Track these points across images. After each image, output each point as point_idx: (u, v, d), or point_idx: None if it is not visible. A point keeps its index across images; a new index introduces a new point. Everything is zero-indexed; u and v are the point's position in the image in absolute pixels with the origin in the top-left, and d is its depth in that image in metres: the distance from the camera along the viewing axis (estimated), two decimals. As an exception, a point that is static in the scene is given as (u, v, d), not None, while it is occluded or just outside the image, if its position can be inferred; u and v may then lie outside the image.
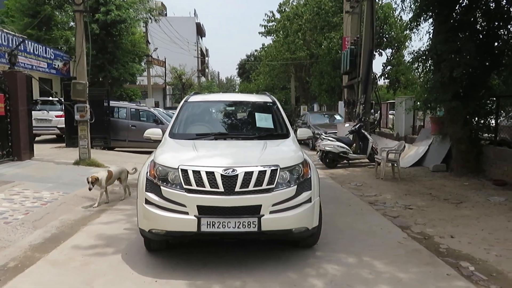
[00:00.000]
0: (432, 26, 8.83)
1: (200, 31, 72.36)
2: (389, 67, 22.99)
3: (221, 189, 3.80)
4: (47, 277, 3.86)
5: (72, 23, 23.18)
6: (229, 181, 3.83)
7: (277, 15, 28.41)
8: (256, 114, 5.37)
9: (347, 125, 13.05)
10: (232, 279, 3.79)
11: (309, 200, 4.10)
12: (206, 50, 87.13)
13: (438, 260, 4.32)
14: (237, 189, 3.81)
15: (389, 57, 23.03)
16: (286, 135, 5.06)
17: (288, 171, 4.05)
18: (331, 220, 5.80)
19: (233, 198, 3.79)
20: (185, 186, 3.86)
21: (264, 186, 3.87)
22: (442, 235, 5.17)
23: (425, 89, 8.69)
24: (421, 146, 11.05)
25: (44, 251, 4.57)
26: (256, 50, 33.76)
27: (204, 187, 3.82)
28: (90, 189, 6.36)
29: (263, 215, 3.82)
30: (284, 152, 4.46)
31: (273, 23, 27.84)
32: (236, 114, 5.60)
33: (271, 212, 3.85)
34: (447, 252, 4.59)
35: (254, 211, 3.81)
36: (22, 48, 17.45)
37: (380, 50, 22.17)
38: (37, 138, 15.68)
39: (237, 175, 3.84)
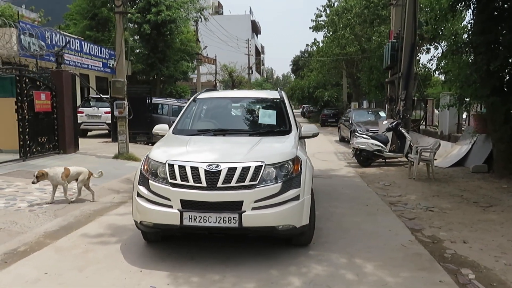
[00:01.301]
0: (473, 17, 8.23)
1: (255, 29, 72.99)
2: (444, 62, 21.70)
3: (204, 184, 3.86)
4: (47, 262, 4.15)
5: (129, 24, 24.39)
6: (212, 176, 3.87)
7: (328, 10, 27.87)
8: (260, 110, 5.37)
9: (385, 122, 12.54)
10: (212, 272, 3.84)
11: (296, 198, 4.03)
12: (262, 47, 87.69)
13: (437, 265, 4.08)
14: (219, 184, 3.85)
15: (444, 51, 21.72)
16: (287, 132, 5.00)
17: (274, 168, 4.01)
18: (339, 220, 5.68)
19: (215, 193, 3.84)
20: (170, 181, 3.96)
21: (246, 182, 3.87)
22: (454, 240, 4.85)
23: (459, 84, 8.10)
24: (464, 145, 10.37)
25: (55, 238, 4.91)
26: (307, 45, 33.28)
27: (188, 182, 3.90)
28: (33, 182, 6.11)
29: (245, 211, 3.82)
30: (275, 148, 4.42)
31: (322, 18, 27.35)
32: (241, 110, 5.63)
33: (253, 209, 3.85)
34: (452, 258, 4.30)
35: (236, 207, 3.83)
36: (79, 49, 18.67)
37: (436, 44, 20.99)
38: (89, 133, 16.77)
39: (220, 171, 3.88)
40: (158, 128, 5.36)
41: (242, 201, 3.83)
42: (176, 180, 3.94)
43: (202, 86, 29.23)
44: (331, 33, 26.92)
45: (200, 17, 26.84)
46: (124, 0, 10.55)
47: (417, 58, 19.54)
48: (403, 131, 10.89)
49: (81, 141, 14.25)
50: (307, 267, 4.00)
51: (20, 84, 9.22)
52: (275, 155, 4.16)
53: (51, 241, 4.80)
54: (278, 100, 5.60)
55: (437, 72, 22.98)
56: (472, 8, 7.95)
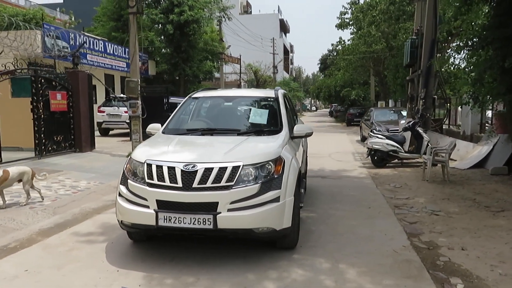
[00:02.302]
0: (490, 10, 7.79)
1: (283, 27, 72.73)
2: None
3: (180, 184, 3.80)
4: (31, 259, 4.21)
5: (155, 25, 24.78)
6: (188, 176, 3.81)
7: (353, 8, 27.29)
8: (252, 109, 5.26)
9: (402, 121, 12.12)
10: (188, 275, 3.78)
11: (276, 200, 3.90)
12: (291, 46, 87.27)
13: (425, 273, 3.85)
14: (195, 185, 3.78)
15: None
16: (278, 131, 4.87)
17: (253, 168, 3.90)
18: (335, 222, 5.50)
19: (190, 194, 3.77)
20: (147, 180, 3.93)
21: (222, 183, 3.78)
22: (452, 246, 4.58)
23: (471, 82, 7.67)
24: (485, 146, 9.86)
25: (47, 235, 4.99)
26: (332, 44, 32.73)
27: (164, 182, 3.85)
28: None
29: (220, 212, 3.73)
30: (258, 148, 4.29)
31: (347, 15, 26.82)
32: (233, 109, 5.54)
33: (229, 210, 3.75)
34: (444, 266, 4.06)
35: (210, 208, 3.75)
36: (103, 50, 19.11)
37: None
38: (110, 132, 17.13)
39: (196, 171, 3.81)
40: (151, 127, 5.34)
41: (217, 202, 3.74)
42: (153, 180, 3.90)
43: (226, 85, 29.35)
44: (355, 30, 26.35)
45: (224, 17, 26.91)
46: (138, 1, 10.67)
47: (446, 55, 18.83)
48: (420, 131, 10.48)
49: (101, 139, 14.62)
50: (287, 271, 3.87)
51: (35, 84, 9.50)
52: (256, 155, 4.05)
53: (42, 238, 4.88)
54: (272, 99, 5.48)
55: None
56: (489, 1, 7.53)
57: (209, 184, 3.78)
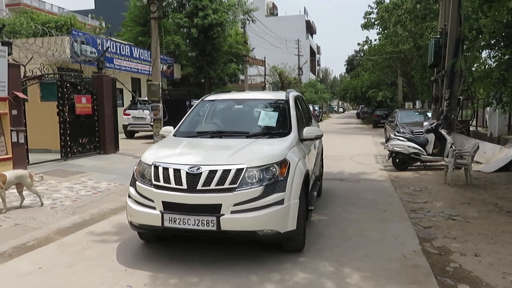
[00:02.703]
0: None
1: (310, 29, 72.36)
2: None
3: (185, 186, 3.87)
4: (45, 258, 4.39)
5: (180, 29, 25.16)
6: (193, 179, 3.88)
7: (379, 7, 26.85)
8: (262, 112, 5.29)
9: (425, 123, 11.83)
10: (192, 275, 3.85)
11: (280, 202, 3.92)
12: (318, 47, 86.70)
13: (432, 279, 3.77)
14: (199, 187, 3.84)
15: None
16: (286, 134, 4.88)
17: (257, 171, 3.93)
18: (346, 226, 5.45)
19: (194, 195, 3.84)
20: (154, 182, 4.03)
21: (226, 185, 3.83)
22: (465, 252, 4.46)
23: (491, 81, 7.40)
24: (512, 148, 9.51)
25: (64, 234, 5.18)
26: (358, 44, 32.27)
27: (170, 184, 3.93)
28: None
29: (223, 214, 3.78)
30: (264, 151, 4.31)
31: (372, 15, 26.42)
32: (244, 112, 5.58)
33: (232, 212, 3.79)
34: (453, 272, 3.95)
35: (214, 210, 3.80)
36: (129, 54, 19.60)
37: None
38: (136, 135, 17.53)
39: (201, 173, 3.87)
40: (164, 130, 5.47)
41: (221, 204, 3.79)
42: (159, 182, 4.00)
43: (250, 87, 29.48)
44: (381, 30, 25.93)
45: (248, 19, 27.07)
46: (159, 6, 10.90)
47: (476, 55, 18.25)
48: (443, 132, 10.20)
49: (126, 142, 15.00)
50: (290, 274, 3.87)
51: (61, 88, 9.86)
52: (261, 158, 4.07)
53: (59, 237, 5.07)
54: (282, 102, 5.49)
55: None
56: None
57: (213, 186, 3.83)
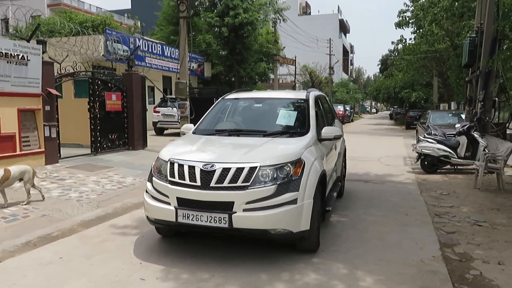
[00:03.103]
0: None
1: (343, 28, 71.41)
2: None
3: (198, 183, 3.92)
4: (67, 248, 4.55)
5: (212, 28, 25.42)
6: (207, 176, 3.91)
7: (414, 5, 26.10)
8: (280, 111, 5.27)
9: (458, 125, 11.41)
10: (204, 271, 3.89)
11: (293, 202, 3.90)
12: (351, 46, 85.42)
13: (448, 287, 3.65)
14: (212, 184, 3.88)
15: None
16: (304, 133, 4.84)
17: (271, 170, 3.92)
18: (365, 228, 5.35)
19: (207, 192, 3.87)
20: (169, 178, 4.10)
21: (238, 183, 3.84)
22: (488, 260, 4.28)
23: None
24: (551, 152, 9.01)
25: (86, 226, 5.36)
26: (392, 42, 31.52)
27: (185, 180, 3.99)
28: None
29: (235, 212, 3.80)
30: (279, 150, 4.29)
31: (407, 13, 25.70)
32: (263, 111, 5.57)
33: (244, 210, 3.81)
34: (473, 280, 3.81)
35: (226, 207, 3.82)
36: (161, 53, 20.00)
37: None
38: (165, 131, 17.87)
39: (214, 171, 3.91)
40: (184, 127, 5.56)
41: (233, 202, 3.81)
42: (174, 178, 4.06)
43: (280, 87, 29.39)
44: (415, 29, 25.23)
45: (279, 18, 27.00)
46: (188, 5, 11.05)
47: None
48: (476, 135, 9.81)
49: (155, 138, 15.31)
50: (301, 274, 3.85)
51: (92, 85, 10.18)
52: (275, 156, 4.06)
53: (82, 229, 5.25)
54: (302, 101, 5.44)
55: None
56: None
57: (225, 183, 3.86)
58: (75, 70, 9.67)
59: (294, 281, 3.69)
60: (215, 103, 5.85)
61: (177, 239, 4.79)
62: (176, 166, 4.09)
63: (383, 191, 7.76)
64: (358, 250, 4.51)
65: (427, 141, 10.02)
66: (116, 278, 3.75)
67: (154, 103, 19.43)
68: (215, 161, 3.99)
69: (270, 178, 3.90)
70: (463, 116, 15.22)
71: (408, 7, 26.55)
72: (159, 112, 16.83)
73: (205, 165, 3.97)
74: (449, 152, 9.73)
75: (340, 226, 5.43)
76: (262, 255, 4.28)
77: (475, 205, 6.72)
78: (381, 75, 60.28)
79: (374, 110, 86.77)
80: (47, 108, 8.62)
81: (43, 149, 8.53)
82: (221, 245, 4.57)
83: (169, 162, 4.18)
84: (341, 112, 34.07)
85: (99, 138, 10.42)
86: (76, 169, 8.60)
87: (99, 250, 4.47)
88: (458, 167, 10.17)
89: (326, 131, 5.00)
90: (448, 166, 10.09)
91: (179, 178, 4.03)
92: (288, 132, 4.93)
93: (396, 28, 25.70)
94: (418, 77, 34.50)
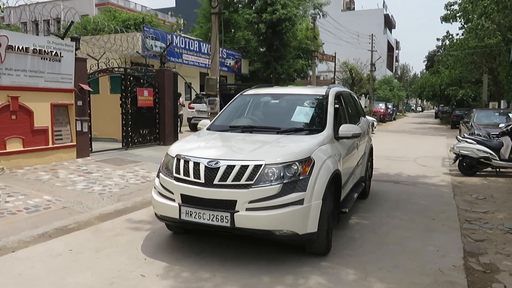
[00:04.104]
0: None
1: (388, 23, 69.17)
2: None
3: (202, 180, 3.83)
4: (79, 241, 4.62)
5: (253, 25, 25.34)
6: (211, 173, 3.82)
7: (462, -2, 24.72)
8: (297, 107, 5.07)
9: (501, 125, 10.65)
10: (206, 270, 3.80)
11: (299, 202, 3.72)
12: (397, 42, 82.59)
13: (465, 300, 3.34)
14: (215, 181, 3.77)
15: None
16: (320, 131, 4.63)
17: (277, 168, 3.76)
18: (386, 232, 5.08)
19: (210, 190, 3.78)
20: (174, 175, 4.04)
21: (242, 181, 3.71)
22: (517, 273, 3.90)
23: None
24: None
25: (103, 220, 5.44)
26: (438, 39, 30.13)
27: (189, 177, 3.91)
28: None
29: (238, 211, 3.67)
30: (287, 147, 4.11)
31: (455, 6, 24.40)
32: (279, 107, 5.40)
33: (248, 209, 3.67)
34: (494, 294, 3.47)
35: (229, 206, 3.71)
36: (198, 49, 20.21)
37: None
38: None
39: (219, 168, 3.80)
40: (201, 123, 5.50)
41: (236, 201, 3.69)
42: (179, 174, 4.00)
43: (319, 84, 28.89)
44: (463, 24, 23.92)
45: (318, 14, 26.49)
46: (220, 2, 11.03)
47: None
48: (521, 136, 9.12)
49: (189, 134, 15.44)
50: (306, 278, 3.67)
51: (125, 82, 10.40)
52: (283, 154, 3.89)
53: (98, 222, 5.33)
54: (321, 98, 5.22)
55: None
56: None
57: (229, 181, 3.74)
58: (107, 66, 9.90)
59: (297, 286, 3.52)
60: (233, 99, 5.74)
61: (187, 236, 4.75)
62: (182, 162, 4.03)
63: (413, 193, 7.36)
64: (373, 255, 4.26)
65: (466, 141, 9.43)
66: (117, 273, 3.74)
67: (191, 99, 19.68)
68: (220, 158, 3.89)
69: (276, 176, 3.74)
70: (511, 115, 14.26)
71: (456, 0, 25.23)
72: (193, 108, 17.01)
73: (210, 161, 3.87)
74: (490, 154, 9.10)
75: (359, 229, 5.17)
76: (269, 256, 4.14)
77: (512, 211, 6.21)
78: (427, 72, 57.95)
79: (419, 109, 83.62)
80: (79, 103, 8.88)
81: (75, 143, 8.80)
82: (229, 244, 4.47)
83: (175, 158, 4.13)
84: (382, 110, 33.06)
85: (130, 133, 10.64)
86: (105, 162, 8.81)
87: (109, 244, 4.50)
88: (501, 170, 9.50)
89: (344, 128, 4.76)
90: (490, 169, 9.46)
91: (184, 175, 3.96)
92: (303, 129, 4.73)
93: (441, 23, 24.51)
94: (467, 74, 32.77)
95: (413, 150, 14.41)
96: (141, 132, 11.04)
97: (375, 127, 21.98)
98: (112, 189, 6.87)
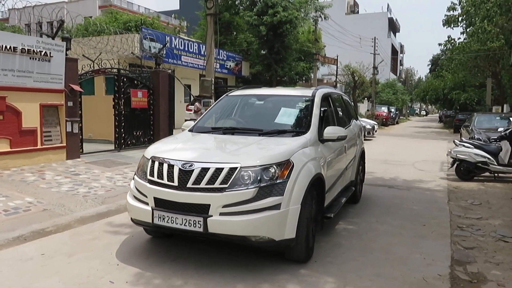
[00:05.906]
0: None
1: (392, 27, 68.92)
2: None
3: (176, 183, 3.68)
4: (53, 245, 4.48)
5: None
6: (185, 175, 3.67)
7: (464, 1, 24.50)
8: (281, 109, 4.92)
9: (500, 129, 10.44)
10: (178, 277, 3.65)
11: (276, 207, 3.56)
12: (401, 46, 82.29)
13: (447, 312, 3.16)
14: (189, 185, 3.62)
15: None
16: (303, 133, 4.47)
17: (253, 171, 3.60)
18: (372, 238, 4.90)
19: (183, 193, 3.63)
20: (148, 177, 3.89)
21: (216, 185, 3.56)
22: (505, 283, 3.73)
23: None
24: None
25: (83, 223, 5.29)
26: (440, 44, 29.88)
27: (163, 180, 3.76)
28: None
29: (211, 215, 3.52)
30: (265, 150, 3.95)
31: (454, 11, 24.15)
32: (264, 108, 5.24)
33: (221, 214, 3.52)
34: (479, 306, 3.29)
35: (202, 210, 3.55)
36: (197, 51, 20.12)
37: None
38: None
39: (193, 170, 3.65)
40: (185, 125, 5.35)
41: (209, 205, 3.53)
42: (153, 177, 3.85)
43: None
44: (465, 28, 23.68)
45: (320, 16, 26.33)
46: (215, 3, 10.91)
47: None
48: (520, 140, 8.91)
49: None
50: (282, 287, 3.50)
51: (118, 82, 10.29)
52: (260, 157, 3.73)
53: (77, 225, 5.19)
54: (307, 99, 5.07)
55: None
56: None
57: (203, 185, 3.59)
58: (100, 67, 9.80)
59: (271, 295, 3.36)
60: (218, 100, 5.60)
61: (165, 241, 4.60)
62: (156, 165, 3.88)
63: (406, 198, 7.18)
64: (356, 263, 4.09)
65: (463, 146, 9.24)
66: (86, 279, 3.60)
67: (190, 101, 19.57)
68: (195, 160, 3.73)
69: (252, 180, 3.59)
70: (512, 119, 14.00)
71: (456, 5, 25.02)
72: (191, 110, 16.87)
73: (184, 164, 3.72)
74: (488, 158, 8.90)
75: (345, 235, 5.00)
76: (247, 262, 3.98)
77: (507, 218, 6.02)
78: (430, 75, 57.60)
79: (423, 112, 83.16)
80: (70, 104, 8.77)
81: (65, 144, 8.69)
82: (208, 250, 4.32)
83: (150, 160, 3.98)
84: (384, 114, 32.80)
85: (123, 135, 10.52)
86: (94, 164, 8.68)
87: (84, 248, 4.36)
88: (500, 175, 9.29)
89: (329, 131, 4.60)
90: (487, 174, 9.25)
91: (157, 177, 3.81)
92: (286, 131, 4.57)
93: (443, 26, 24.27)
94: (470, 77, 32.48)
95: (412, 154, 14.21)
96: (135, 133, 10.93)
97: (376, 131, 21.77)
98: (97, 191, 6.73)
